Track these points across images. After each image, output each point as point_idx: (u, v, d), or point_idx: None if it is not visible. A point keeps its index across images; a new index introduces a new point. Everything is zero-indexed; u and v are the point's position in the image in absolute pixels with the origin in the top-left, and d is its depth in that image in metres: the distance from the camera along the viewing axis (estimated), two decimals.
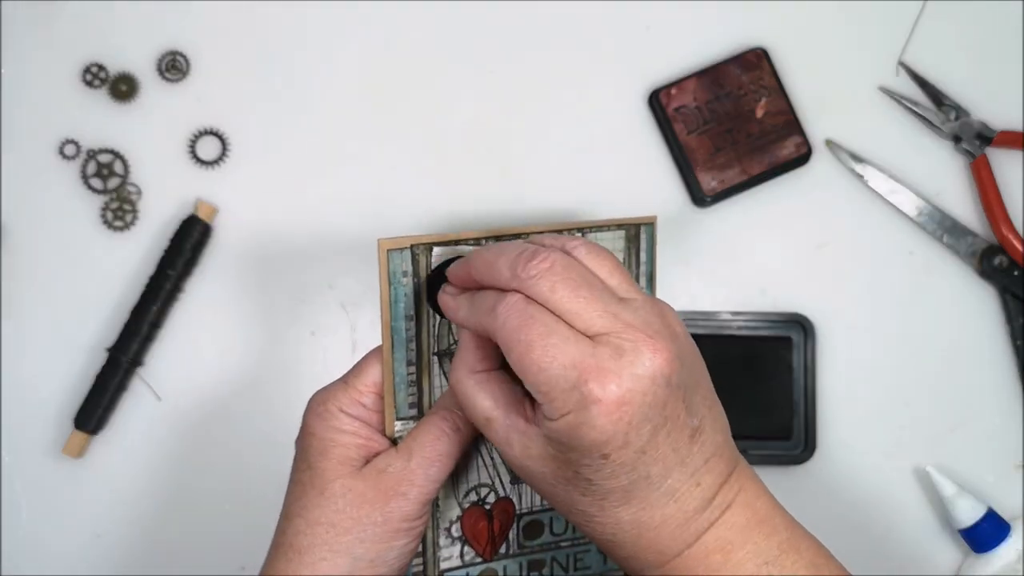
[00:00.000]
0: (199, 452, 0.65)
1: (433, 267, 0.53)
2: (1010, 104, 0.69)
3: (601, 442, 0.44)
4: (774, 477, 0.62)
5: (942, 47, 0.69)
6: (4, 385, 0.65)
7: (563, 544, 0.58)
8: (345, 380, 0.52)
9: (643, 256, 0.57)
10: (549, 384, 0.44)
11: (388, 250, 0.53)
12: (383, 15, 0.67)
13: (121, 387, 0.64)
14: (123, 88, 0.66)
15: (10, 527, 0.64)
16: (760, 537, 0.47)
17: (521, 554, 0.57)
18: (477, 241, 0.54)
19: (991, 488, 0.65)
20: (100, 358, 0.64)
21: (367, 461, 0.51)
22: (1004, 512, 0.64)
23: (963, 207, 0.68)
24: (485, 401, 0.48)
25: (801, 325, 0.65)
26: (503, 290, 0.46)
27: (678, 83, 0.66)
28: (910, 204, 0.67)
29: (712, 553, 0.46)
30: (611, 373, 0.43)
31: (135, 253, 0.65)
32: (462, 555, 0.56)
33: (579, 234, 0.54)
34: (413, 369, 0.54)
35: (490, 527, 0.57)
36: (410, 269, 0.53)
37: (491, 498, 0.57)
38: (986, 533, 0.63)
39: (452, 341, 0.54)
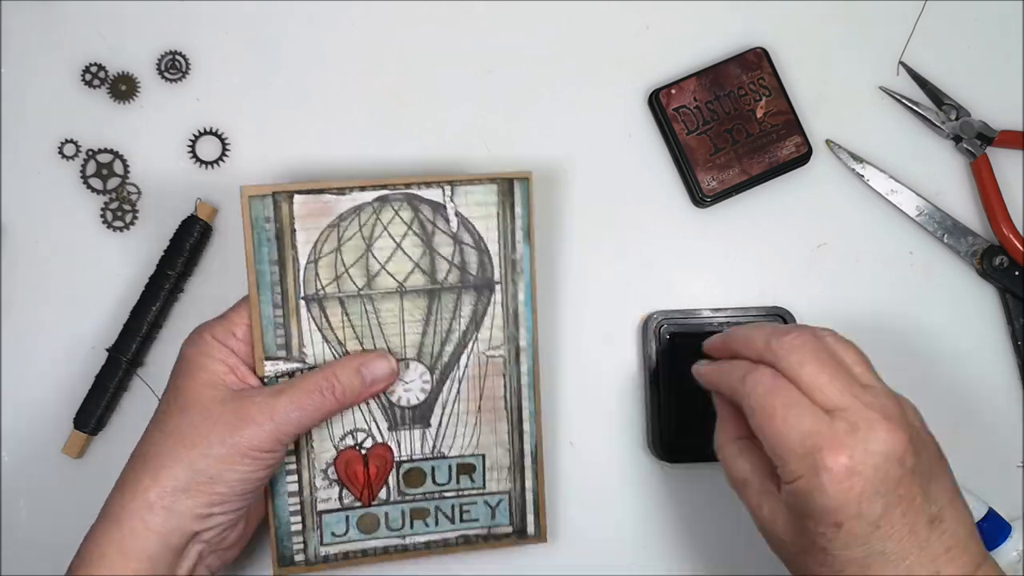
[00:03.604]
0: None
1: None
2: (1010, 104, 0.69)
3: (832, 509, 0.47)
4: None
5: (942, 47, 0.69)
6: (4, 385, 0.65)
7: (447, 495, 0.60)
8: (222, 315, 0.57)
9: (519, 211, 0.59)
10: (785, 448, 0.48)
11: (250, 196, 0.56)
12: (383, 15, 0.67)
13: (121, 387, 0.64)
14: (123, 88, 0.66)
15: (10, 527, 0.64)
16: None
17: (403, 501, 0.59)
18: (340, 190, 0.57)
19: (991, 488, 0.65)
20: (100, 358, 0.64)
21: (231, 391, 0.54)
22: (1005, 512, 0.64)
23: (963, 207, 0.68)
24: (744, 465, 0.52)
25: (781, 318, 0.65)
26: (756, 362, 0.51)
27: (678, 83, 0.66)
28: (910, 204, 0.67)
29: None
30: (844, 446, 0.47)
31: (135, 253, 0.65)
32: (340, 498, 0.59)
33: (449, 188, 0.58)
34: (280, 312, 0.57)
35: (366, 471, 0.58)
36: (272, 215, 0.56)
37: (368, 443, 0.59)
38: (987, 533, 0.63)
39: (319, 287, 0.57)
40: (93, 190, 0.66)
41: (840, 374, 0.50)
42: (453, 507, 0.60)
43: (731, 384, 0.52)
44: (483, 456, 0.60)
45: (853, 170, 0.68)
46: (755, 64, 0.67)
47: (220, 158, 0.66)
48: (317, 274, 0.57)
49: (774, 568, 0.65)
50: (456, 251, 0.58)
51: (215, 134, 0.66)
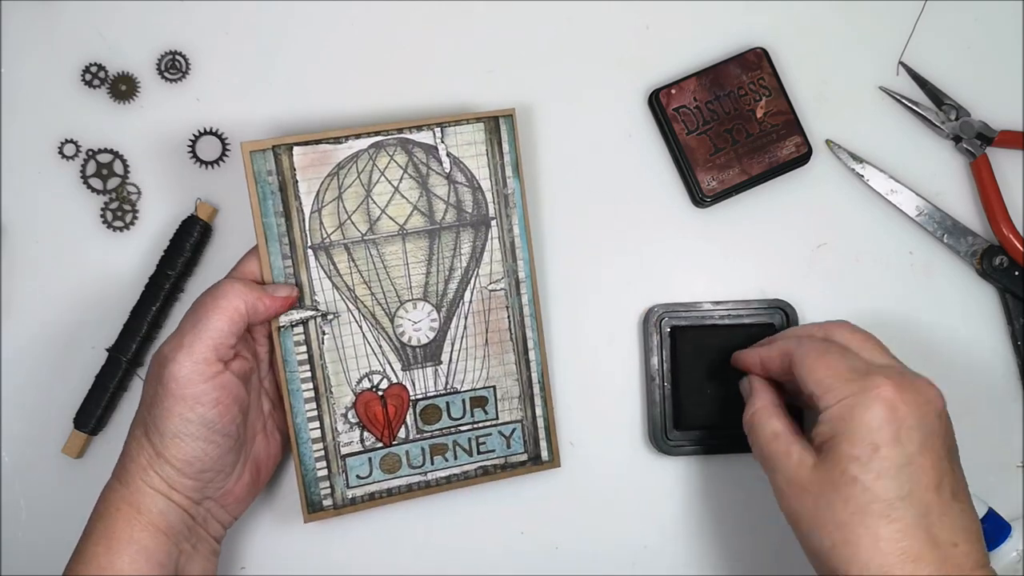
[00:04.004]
0: None
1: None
2: (1010, 104, 0.69)
3: (873, 427, 0.49)
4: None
5: (942, 47, 0.69)
6: (4, 385, 0.65)
7: (463, 428, 0.62)
8: (232, 269, 0.60)
9: (506, 147, 0.62)
10: (833, 377, 0.52)
11: (251, 152, 0.59)
12: (383, 15, 0.67)
13: (121, 387, 0.64)
14: (123, 88, 0.66)
15: (10, 527, 0.64)
16: None
17: (421, 439, 0.62)
18: (336, 139, 0.60)
19: (991, 488, 0.65)
20: (100, 358, 0.64)
21: None
22: (1004, 512, 0.64)
23: (963, 207, 0.68)
24: (776, 423, 0.55)
25: (783, 311, 0.65)
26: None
27: (678, 83, 0.66)
28: (910, 204, 0.67)
29: None
30: (893, 380, 0.51)
31: (135, 253, 0.65)
32: (362, 440, 0.61)
33: (439, 129, 0.61)
34: (290, 262, 0.59)
35: (385, 412, 0.61)
36: (274, 168, 0.59)
37: (384, 384, 0.61)
38: (987, 533, 0.63)
39: (324, 235, 0.60)
40: (93, 190, 0.65)
41: (881, 346, 0.55)
42: (470, 440, 0.62)
43: (783, 346, 0.57)
44: (494, 388, 0.62)
45: (853, 170, 0.68)
46: (755, 64, 0.67)
47: (220, 158, 0.66)
48: (321, 223, 0.60)
49: (771, 555, 0.65)
50: (451, 191, 0.61)
51: (215, 134, 0.66)
